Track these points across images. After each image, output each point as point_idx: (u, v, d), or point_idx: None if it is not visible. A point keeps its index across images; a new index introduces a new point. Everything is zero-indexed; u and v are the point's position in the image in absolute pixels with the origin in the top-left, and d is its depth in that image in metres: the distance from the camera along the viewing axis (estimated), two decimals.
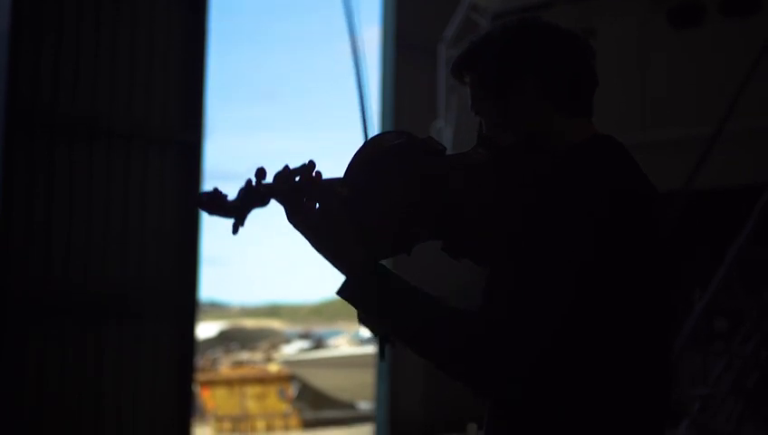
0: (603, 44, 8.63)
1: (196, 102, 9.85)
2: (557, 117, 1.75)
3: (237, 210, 1.59)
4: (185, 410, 9.68)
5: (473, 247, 1.73)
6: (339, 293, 1.62)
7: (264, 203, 1.61)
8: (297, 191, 1.63)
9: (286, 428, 15.81)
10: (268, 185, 1.62)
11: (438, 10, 11.50)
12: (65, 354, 8.71)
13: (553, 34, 1.77)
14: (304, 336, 25.92)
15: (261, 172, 1.60)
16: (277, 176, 1.63)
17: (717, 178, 7.55)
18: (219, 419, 15.84)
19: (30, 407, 8.47)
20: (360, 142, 1.76)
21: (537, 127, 1.75)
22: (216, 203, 1.58)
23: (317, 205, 1.63)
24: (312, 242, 1.64)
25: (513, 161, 1.73)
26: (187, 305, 9.72)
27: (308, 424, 15.98)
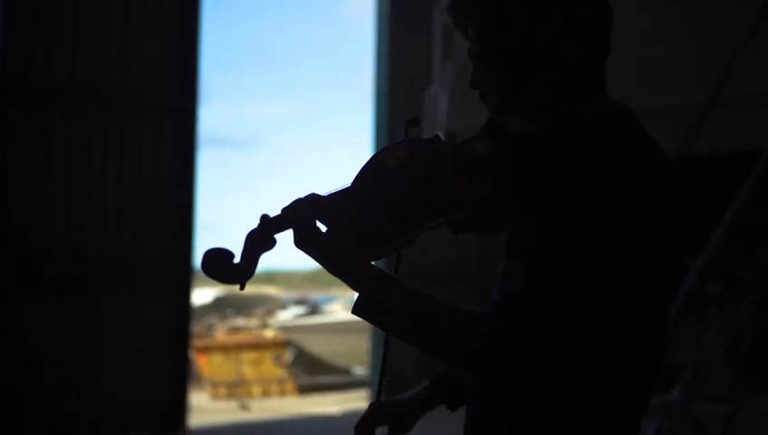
0: None
1: (190, 69, 9.80)
2: (573, 93, 1.64)
3: (246, 271, 1.58)
4: (181, 376, 9.73)
5: (478, 228, 1.71)
6: (354, 311, 1.60)
7: (272, 245, 1.60)
8: (305, 215, 1.59)
9: (282, 393, 15.90)
10: (271, 221, 1.59)
11: None
12: (62, 322, 8.73)
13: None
14: (300, 302, 25.95)
15: (263, 219, 1.58)
16: (280, 214, 1.60)
17: (714, 144, 7.54)
18: (215, 384, 15.91)
19: (27, 375, 8.51)
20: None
21: (550, 107, 1.65)
22: (224, 269, 1.56)
23: (323, 228, 1.59)
24: (323, 264, 1.59)
25: (522, 151, 1.63)
26: (182, 272, 9.73)
27: (303, 389, 16.06)
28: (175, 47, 9.69)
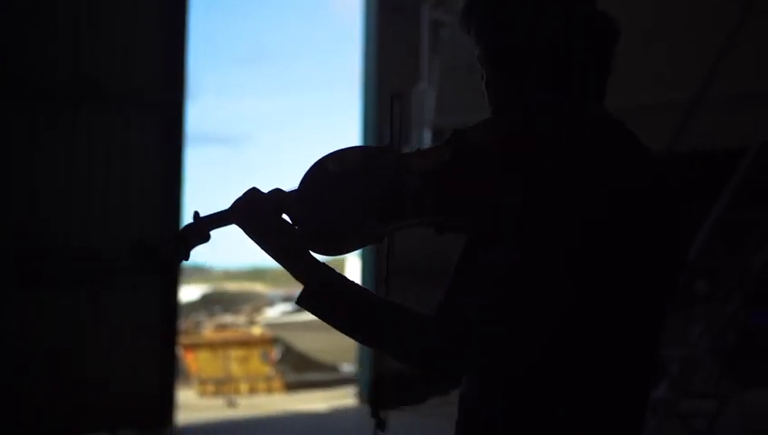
0: None
1: (178, 63, 9.77)
2: (564, 103, 1.66)
3: (173, 262, 1.77)
4: (168, 373, 9.70)
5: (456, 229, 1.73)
6: (297, 302, 1.69)
7: (204, 239, 1.76)
8: (246, 209, 1.72)
9: (269, 390, 15.88)
10: (206, 219, 1.76)
11: None
12: (48, 319, 8.70)
13: (580, 6, 1.66)
14: (287, 299, 25.91)
15: (195, 216, 1.75)
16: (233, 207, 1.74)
17: (700, 141, 7.57)
18: (203, 381, 15.89)
19: (13, 372, 8.47)
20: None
21: (535, 112, 1.66)
22: (151, 261, 1.75)
23: (274, 223, 1.70)
24: (271, 256, 1.71)
25: (477, 161, 1.65)
26: (170, 268, 9.70)
27: (291, 386, 16.05)
28: (162, 42, 9.65)
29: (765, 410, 7.64)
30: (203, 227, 1.77)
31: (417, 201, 1.67)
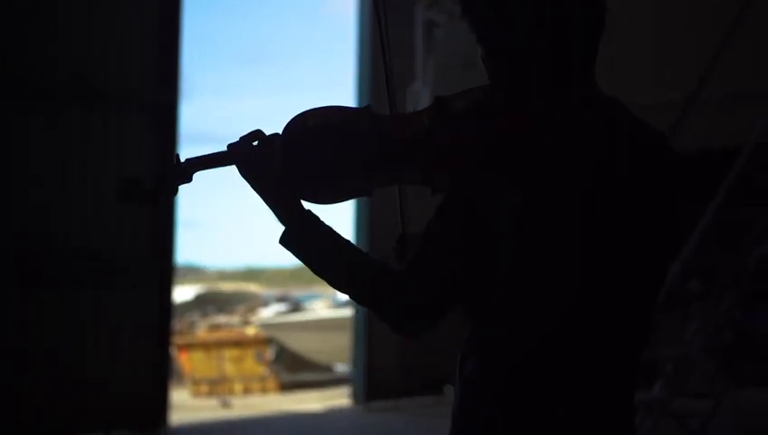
0: None
1: (172, 62, 9.75)
2: (536, 87, 1.71)
3: (156, 195, 1.81)
4: (162, 373, 9.68)
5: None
6: (280, 241, 1.80)
7: (186, 179, 1.83)
8: (232, 152, 1.82)
9: (264, 390, 15.87)
10: (194, 158, 1.83)
11: None
12: (42, 319, 8.67)
13: None
14: (282, 299, 25.92)
15: (176, 157, 1.83)
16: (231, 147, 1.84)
17: (695, 140, 7.57)
18: (196, 382, 15.86)
19: (7, 372, 8.44)
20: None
21: (528, 87, 1.72)
22: (135, 193, 1.80)
23: (257, 160, 1.81)
24: (255, 190, 1.82)
25: (449, 128, 1.75)
26: (163, 269, 9.68)
27: (285, 387, 16.04)
28: (156, 41, 9.63)
29: (760, 409, 7.64)
30: (189, 168, 1.84)
31: (392, 159, 1.78)
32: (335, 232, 1.78)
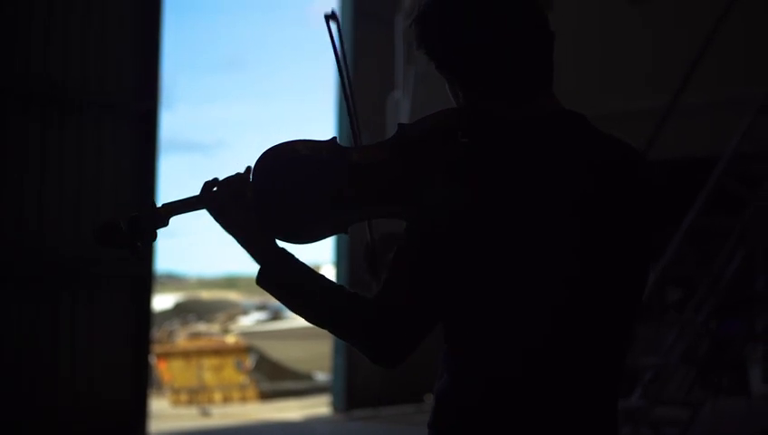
0: (560, 16, 8.64)
1: (151, 70, 9.74)
2: (492, 102, 1.73)
3: (133, 237, 1.81)
4: (141, 382, 9.64)
5: None
6: (257, 281, 1.81)
7: (163, 223, 1.84)
8: (201, 199, 1.82)
9: (243, 399, 15.82)
10: (167, 205, 1.84)
11: None
12: (19, 327, 8.62)
13: (508, 6, 1.72)
14: (262, 308, 25.85)
15: (151, 205, 1.84)
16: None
17: (672, 149, 7.63)
18: (176, 391, 15.79)
19: None
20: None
21: (445, 118, 1.75)
22: (113, 237, 1.80)
23: (228, 205, 1.81)
24: (230, 234, 1.82)
25: (411, 154, 1.75)
26: (143, 277, 9.65)
27: (265, 395, 15.99)
28: (135, 48, 9.61)
29: (737, 418, 7.69)
30: (165, 213, 1.85)
31: (361, 192, 1.77)
32: (311, 270, 1.78)
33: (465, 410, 1.67)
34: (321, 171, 1.79)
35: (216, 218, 1.82)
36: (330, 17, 1.90)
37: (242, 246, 1.81)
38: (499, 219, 1.63)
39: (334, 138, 1.86)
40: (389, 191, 1.75)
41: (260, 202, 1.81)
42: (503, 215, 1.63)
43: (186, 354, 16.29)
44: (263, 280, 1.79)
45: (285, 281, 1.78)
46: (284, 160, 1.81)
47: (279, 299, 1.82)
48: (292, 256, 1.80)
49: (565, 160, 1.68)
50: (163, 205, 1.85)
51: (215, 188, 1.83)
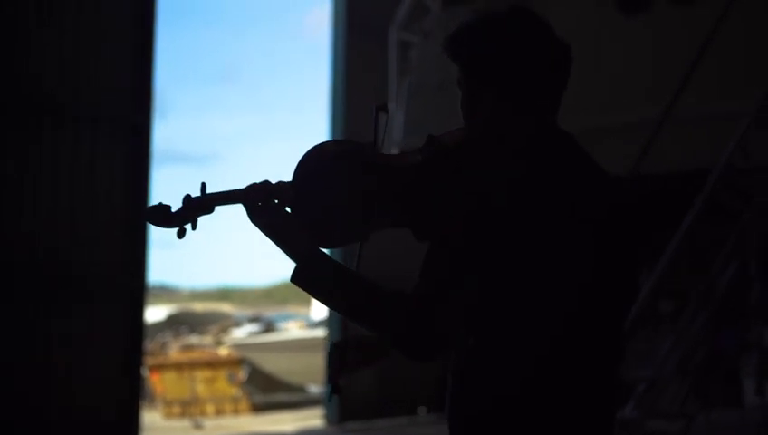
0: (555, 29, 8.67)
1: (144, 83, 9.73)
2: (518, 121, 1.87)
3: (181, 218, 1.86)
4: (134, 394, 9.60)
5: (431, 234, 1.87)
6: (292, 279, 1.86)
7: (207, 210, 1.89)
8: (250, 195, 1.88)
9: (236, 411, 15.77)
10: (216, 193, 1.88)
11: None
12: (10, 339, 8.58)
13: (539, 40, 1.88)
14: (255, 320, 25.82)
15: (202, 186, 1.89)
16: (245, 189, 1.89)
17: (665, 162, 7.64)
18: (168, 403, 15.75)
19: None
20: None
21: (493, 126, 1.87)
22: (160, 216, 1.85)
23: (268, 206, 1.88)
24: (268, 236, 1.88)
25: (444, 165, 1.85)
26: (135, 288, 9.62)
27: (258, 408, 15.95)
28: (129, 61, 9.60)
29: (731, 429, 7.69)
30: (209, 201, 1.89)
31: (391, 194, 1.85)
32: (346, 268, 1.86)
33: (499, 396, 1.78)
34: (353, 172, 1.86)
35: (251, 216, 1.88)
36: (380, 108, 1.97)
37: (277, 245, 1.88)
38: (531, 225, 1.75)
39: (372, 141, 1.93)
40: (417, 196, 1.85)
41: (296, 201, 1.87)
42: (535, 221, 1.76)
43: (178, 366, 16.24)
44: (298, 279, 1.86)
45: (321, 279, 1.85)
46: (319, 159, 1.88)
47: (316, 297, 1.88)
48: (327, 255, 1.87)
49: (580, 176, 1.84)
50: (210, 193, 1.90)
51: (257, 188, 1.89)
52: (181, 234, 1.87)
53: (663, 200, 7.83)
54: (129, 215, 9.49)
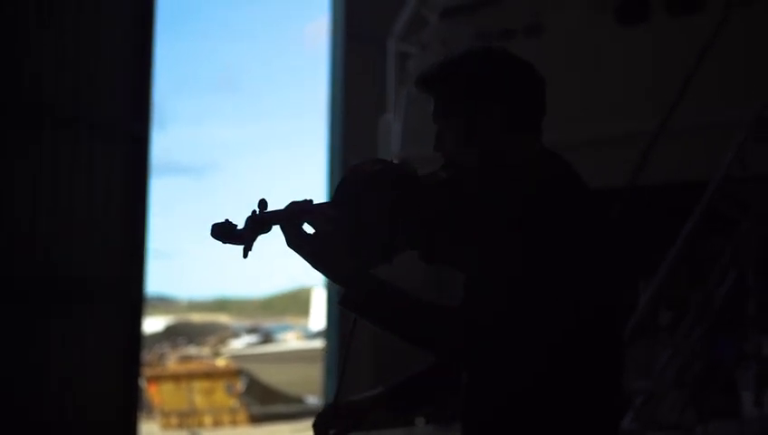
0: (550, 41, 8.69)
1: (143, 93, 9.74)
2: (515, 139, 1.98)
3: (246, 238, 1.84)
4: (131, 405, 9.58)
5: (445, 255, 1.93)
6: (341, 304, 1.86)
7: (267, 229, 1.86)
8: (294, 217, 1.87)
9: (234, 423, 15.74)
10: (270, 212, 1.86)
11: (388, 2, 11.51)
12: (10, 347, 8.56)
13: (516, 65, 2.00)
14: (252, 331, 25.80)
15: (262, 203, 1.86)
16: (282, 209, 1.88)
17: (663, 173, 7.65)
18: (166, 414, 15.71)
19: None
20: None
21: (496, 145, 1.97)
22: (227, 232, 1.83)
23: (312, 230, 1.87)
24: (310, 261, 1.88)
25: (471, 180, 1.93)
26: (134, 299, 9.61)
27: (256, 419, 15.92)
28: (128, 71, 9.62)
29: None
30: (268, 220, 1.88)
31: (413, 215, 1.89)
32: (393, 285, 1.85)
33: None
34: (383, 187, 1.90)
35: (294, 241, 1.87)
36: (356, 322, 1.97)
37: (321, 271, 1.87)
38: (552, 240, 1.81)
39: (404, 160, 2.00)
40: (442, 213, 1.89)
41: (335, 219, 1.88)
42: (556, 235, 1.81)
43: (176, 377, 16.21)
44: (347, 303, 1.86)
45: (373, 300, 1.84)
46: (354, 176, 1.92)
47: (367, 319, 1.87)
48: (373, 275, 1.87)
49: (584, 189, 1.92)
50: (267, 212, 1.89)
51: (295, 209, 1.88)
52: (246, 252, 1.86)
53: (660, 211, 7.84)
54: (128, 225, 9.49)
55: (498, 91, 1.97)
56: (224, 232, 1.84)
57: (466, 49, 2.04)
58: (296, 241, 1.87)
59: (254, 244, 1.87)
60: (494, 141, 1.97)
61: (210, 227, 1.84)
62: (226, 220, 1.85)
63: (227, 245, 1.84)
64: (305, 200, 1.89)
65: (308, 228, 1.88)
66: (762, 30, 7.63)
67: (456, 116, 1.99)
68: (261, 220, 1.86)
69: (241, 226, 1.85)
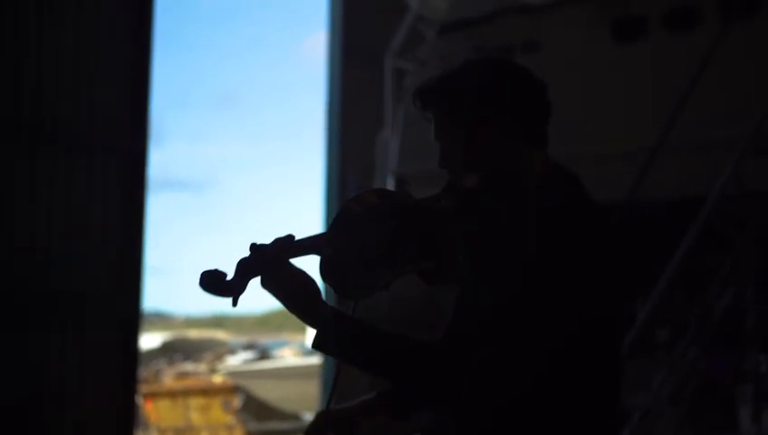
0: (548, 57, 8.72)
1: (140, 109, 9.75)
2: (522, 151, 1.95)
3: (235, 289, 1.81)
4: (127, 422, 9.55)
5: (446, 277, 1.92)
6: (313, 346, 1.86)
7: (257, 274, 1.82)
8: (285, 254, 1.84)
9: None
10: (260, 260, 1.82)
11: (386, 17, 11.55)
12: (5, 365, 8.54)
13: (516, 74, 1.96)
14: (249, 347, 25.76)
15: (253, 248, 1.82)
16: (267, 248, 1.83)
17: (660, 189, 7.66)
18: (162, 431, 15.66)
19: None
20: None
21: (502, 161, 1.94)
22: (216, 285, 1.80)
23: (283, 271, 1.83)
24: (285, 304, 1.83)
25: (476, 206, 1.91)
26: (130, 315, 9.59)
27: None
28: (125, 88, 9.62)
29: None
30: (257, 266, 1.85)
31: (413, 241, 1.88)
32: (367, 325, 1.84)
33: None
34: (381, 215, 1.88)
35: (269, 285, 1.83)
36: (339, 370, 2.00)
37: (295, 312, 1.84)
38: (559, 257, 1.80)
39: (406, 190, 1.97)
40: (442, 238, 1.88)
41: (331, 250, 1.86)
42: (564, 253, 1.80)
43: (172, 394, 16.17)
44: (319, 345, 1.85)
45: (346, 343, 1.84)
46: (352, 207, 1.91)
47: (341, 360, 1.87)
48: (347, 316, 1.85)
49: (590, 206, 1.92)
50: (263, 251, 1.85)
51: (258, 252, 1.83)
52: (236, 302, 1.83)
53: (658, 228, 7.84)
54: (126, 241, 9.48)
55: (500, 100, 1.94)
56: (213, 285, 1.81)
57: (464, 61, 2.00)
58: (271, 283, 1.83)
59: (245, 290, 1.84)
60: (499, 156, 1.94)
61: (199, 276, 1.81)
62: (216, 270, 1.82)
63: (217, 296, 1.81)
64: (287, 236, 1.85)
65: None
66: (760, 45, 7.66)
67: (458, 128, 1.95)
68: (252, 267, 1.82)
69: (230, 275, 1.82)
